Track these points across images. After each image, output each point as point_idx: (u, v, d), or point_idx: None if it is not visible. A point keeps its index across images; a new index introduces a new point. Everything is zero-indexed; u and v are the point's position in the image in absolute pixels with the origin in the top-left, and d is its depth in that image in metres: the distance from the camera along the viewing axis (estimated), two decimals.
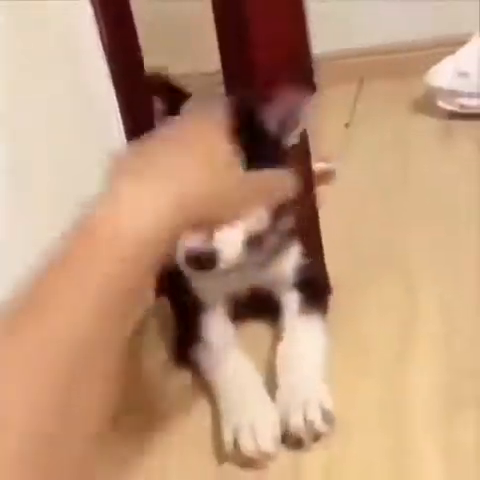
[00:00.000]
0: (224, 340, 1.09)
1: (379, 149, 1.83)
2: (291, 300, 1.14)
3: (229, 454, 0.93)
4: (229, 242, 0.96)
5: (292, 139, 1.04)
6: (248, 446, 0.91)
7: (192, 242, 0.94)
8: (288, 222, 1.10)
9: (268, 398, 0.98)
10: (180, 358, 1.12)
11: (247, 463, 0.92)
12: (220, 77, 2.25)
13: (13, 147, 0.82)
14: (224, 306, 1.14)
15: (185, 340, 1.12)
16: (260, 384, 1.01)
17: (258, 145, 0.97)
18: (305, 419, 0.93)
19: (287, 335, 1.08)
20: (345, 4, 2.25)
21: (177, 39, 2.18)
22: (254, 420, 0.93)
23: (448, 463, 0.87)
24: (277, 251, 1.13)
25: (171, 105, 1.09)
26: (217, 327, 1.12)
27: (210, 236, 0.94)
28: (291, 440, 0.94)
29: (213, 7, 1.26)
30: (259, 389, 1.00)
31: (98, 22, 1.02)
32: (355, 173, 1.69)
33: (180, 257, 0.95)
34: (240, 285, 1.13)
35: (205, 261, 0.95)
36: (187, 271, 1.00)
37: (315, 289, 1.15)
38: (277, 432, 0.93)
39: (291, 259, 1.14)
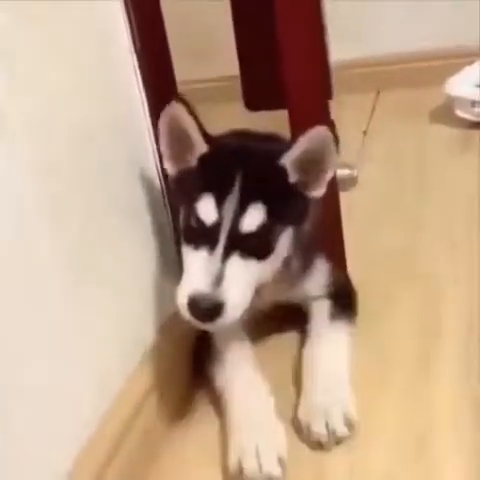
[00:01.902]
0: (239, 356, 1.07)
1: (397, 157, 1.85)
2: (320, 309, 1.14)
3: (234, 476, 0.92)
4: (237, 292, 0.93)
5: (319, 192, 1.03)
6: (252, 469, 0.90)
7: (197, 286, 0.91)
8: (312, 243, 1.10)
9: (276, 419, 0.97)
10: (197, 373, 1.10)
11: None
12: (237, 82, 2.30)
13: (41, 155, 0.83)
14: (241, 321, 1.05)
15: (201, 355, 1.10)
16: (270, 405, 0.99)
17: (287, 200, 0.99)
18: (327, 425, 0.94)
19: (314, 341, 1.09)
20: (364, 14, 2.27)
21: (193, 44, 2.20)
22: (259, 442, 0.93)
23: (471, 469, 0.88)
24: (304, 269, 1.13)
25: None
26: (232, 343, 1.09)
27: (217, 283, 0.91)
28: (313, 444, 0.95)
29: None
30: (268, 410, 0.98)
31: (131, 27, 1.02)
32: (373, 180, 1.70)
33: (181, 303, 0.92)
34: (265, 303, 1.11)
35: (208, 313, 0.91)
36: (186, 317, 0.94)
37: (344, 297, 1.16)
38: (283, 454, 0.92)
39: (320, 273, 1.14)
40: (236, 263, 0.93)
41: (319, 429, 0.94)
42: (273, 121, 1.41)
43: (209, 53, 2.28)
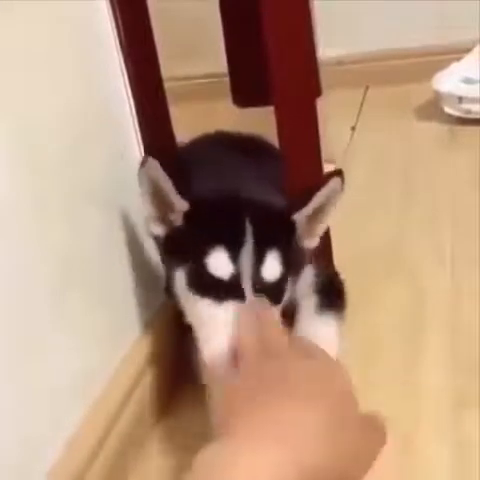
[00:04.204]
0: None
1: (385, 153, 1.86)
2: (307, 303, 1.14)
3: None
4: None
5: (314, 243, 1.04)
6: None
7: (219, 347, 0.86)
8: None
9: None
10: (183, 368, 1.09)
11: None
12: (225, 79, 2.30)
13: (24, 146, 0.83)
14: None
15: (186, 351, 1.07)
16: None
17: (292, 250, 0.98)
18: None
19: (302, 333, 1.09)
20: (352, 10, 2.28)
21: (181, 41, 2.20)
22: None
23: (455, 461, 0.89)
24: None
25: None
26: None
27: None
28: None
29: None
30: None
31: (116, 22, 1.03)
32: (361, 175, 1.71)
33: (216, 351, 0.86)
34: None
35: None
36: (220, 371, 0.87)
37: (331, 290, 1.17)
38: None
39: (308, 272, 1.14)
40: None
41: None
42: (262, 118, 1.42)
43: (197, 50, 2.29)
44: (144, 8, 1.15)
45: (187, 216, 0.97)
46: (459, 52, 2.03)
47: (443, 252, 1.35)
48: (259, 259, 0.92)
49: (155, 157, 0.95)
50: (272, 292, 0.94)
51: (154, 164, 0.94)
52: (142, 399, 1.02)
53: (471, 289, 1.21)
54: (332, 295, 1.16)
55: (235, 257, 0.91)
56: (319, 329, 1.10)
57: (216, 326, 0.89)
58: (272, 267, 0.93)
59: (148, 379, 1.04)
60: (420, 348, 1.11)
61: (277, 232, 0.97)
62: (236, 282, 0.91)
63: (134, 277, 1.07)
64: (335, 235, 1.25)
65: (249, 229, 0.93)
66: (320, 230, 1.04)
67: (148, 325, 1.09)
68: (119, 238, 1.04)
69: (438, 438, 0.93)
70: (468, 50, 2.02)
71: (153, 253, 1.11)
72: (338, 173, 0.99)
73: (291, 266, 0.97)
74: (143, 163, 0.95)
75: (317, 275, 1.15)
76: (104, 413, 0.94)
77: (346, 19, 2.29)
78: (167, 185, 0.95)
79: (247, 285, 0.91)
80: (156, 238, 1.03)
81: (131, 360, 1.03)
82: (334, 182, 0.98)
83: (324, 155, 1.20)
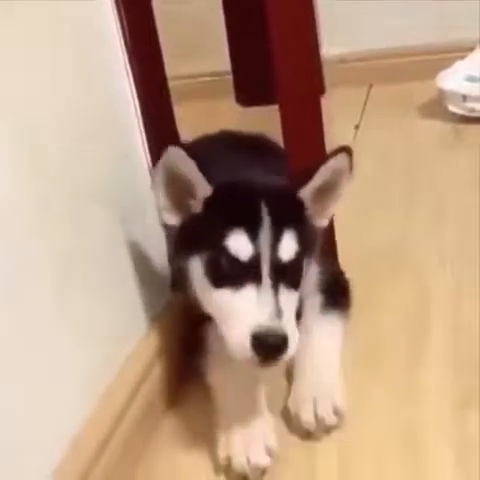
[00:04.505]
0: None
1: (389, 151, 1.85)
2: (312, 302, 1.14)
3: (223, 468, 0.93)
4: (293, 325, 0.90)
5: (325, 222, 1.05)
6: (239, 460, 0.91)
7: (261, 321, 0.86)
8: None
9: (264, 410, 0.97)
10: (188, 366, 1.09)
11: (242, 476, 0.91)
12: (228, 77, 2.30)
13: (27, 146, 0.83)
14: None
15: (192, 348, 1.08)
16: (259, 397, 0.98)
17: (306, 230, 0.98)
18: (316, 413, 0.95)
19: (306, 331, 1.08)
20: (356, 8, 2.27)
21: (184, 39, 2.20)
22: (247, 433, 0.93)
23: (458, 460, 0.89)
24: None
25: None
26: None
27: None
28: (302, 433, 0.97)
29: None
30: (257, 402, 0.97)
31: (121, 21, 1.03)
32: (364, 174, 1.70)
33: (241, 344, 0.86)
34: None
35: (276, 349, 0.86)
36: (247, 358, 0.87)
37: (336, 289, 1.17)
38: (272, 443, 0.92)
39: (313, 270, 1.13)
40: (285, 295, 0.91)
41: (307, 417, 0.96)
42: (265, 116, 1.42)
43: (201, 48, 2.29)
44: (149, 7, 1.16)
45: (207, 202, 0.97)
46: (462, 50, 2.03)
47: (447, 251, 1.34)
48: (276, 239, 0.93)
49: (159, 156, 0.95)
50: (290, 273, 0.94)
51: (177, 151, 0.94)
52: (149, 395, 1.02)
53: (474, 289, 1.20)
54: (337, 294, 1.16)
55: (254, 238, 0.92)
56: (323, 328, 1.10)
57: (236, 315, 0.90)
58: (289, 245, 0.94)
59: (154, 375, 1.04)
60: (423, 348, 1.10)
61: (290, 212, 0.97)
62: (255, 264, 0.91)
63: (138, 275, 1.07)
64: (339, 234, 1.25)
65: (265, 211, 0.94)
66: (331, 210, 1.03)
67: (153, 322, 1.09)
68: (123, 237, 1.04)
69: (441, 437, 0.93)
70: (471, 49, 2.01)
71: (157, 251, 1.11)
72: (344, 149, 0.99)
73: (306, 244, 0.97)
74: (167, 152, 0.94)
75: (322, 274, 1.15)
76: (110, 410, 0.94)
77: (349, 17, 2.29)
78: (193, 169, 0.95)
79: (265, 267, 0.91)
80: (169, 229, 1.04)
81: (137, 357, 1.03)
82: (340, 157, 0.98)
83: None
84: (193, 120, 1.59)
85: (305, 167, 1.03)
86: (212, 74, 2.36)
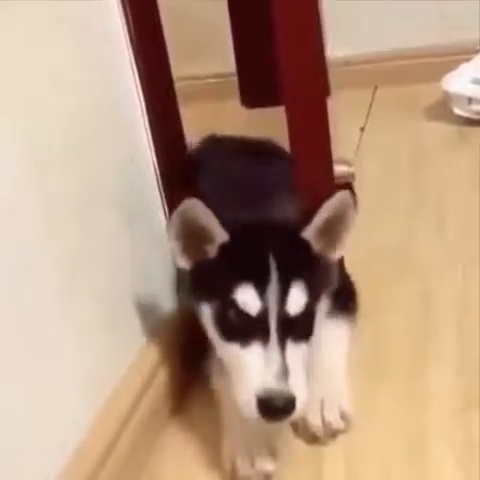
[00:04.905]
0: None
1: (394, 153, 1.85)
2: (320, 305, 1.13)
3: (228, 473, 0.92)
4: (302, 383, 0.89)
5: (338, 254, 1.04)
6: (244, 466, 0.91)
7: (267, 383, 0.86)
8: None
9: None
10: (193, 371, 1.09)
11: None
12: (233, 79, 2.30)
13: (30, 144, 0.83)
14: None
15: (199, 354, 1.08)
16: None
17: (316, 271, 0.98)
18: (323, 418, 0.95)
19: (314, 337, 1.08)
20: (362, 10, 2.27)
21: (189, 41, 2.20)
22: (252, 438, 0.93)
23: (462, 462, 0.89)
24: None
25: None
26: None
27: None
28: (309, 438, 0.96)
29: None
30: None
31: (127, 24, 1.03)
32: (370, 176, 1.70)
33: (246, 403, 0.86)
34: None
35: (282, 410, 0.86)
36: (253, 416, 0.87)
37: (342, 293, 1.14)
38: (276, 448, 0.92)
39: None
40: (292, 351, 0.90)
41: (314, 421, 0.95)
42: (270, 118, 1.42)
43: (206, 50, 2.28)
44: (154, 6, 1.15)
45: (224, 247, 0.96)
46: (468, 53, 2.02)
47: (452, 254, 1.34)
48: (284, 292, 0.92)
49: (165, 158, 0.94)
50: (299, 326, 0.93)
51: (192, 204, 0.93)
52: (153, 400, 1.02)
53: None
54: (343, 298, 1.15)
55: (262, 293, 0.91)
56: (330, 332, 1.09)
57: (244, 372, 0.89)
58: (297, 298, 0.93)
59: (159, 381, 1.04)
60: (429, 351, 1.10)
61: (298, 259, 0.96)
62: (263, 319, 0.90)
63: (142, 283, 1.07)
64: None
65: (272, 262, 0.93)
66: (342, 244, 1.02)
67: (158, 327, 1.09)
68: (128, 240, 1.04)
69: (446, 439, 0.93)
70: (477, 51, 2.01)
71: (161, 259, 1.10)
72: (347, 186, 0.99)
73: (316, 288, 0.96)
74: (183, 204, 0.93)
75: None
76: (116, 415, 0.94)
77: (354, 19, 2.28)
78: (210, 219, 0.94)
79: (272, 322, 0.90)
80: (182, 272, 1.02)
81: (141, 363, 1.03)
82: (340, 195, 0.97)
83: (335, 155, 1.20)
84: (198, 121, 1.59)
85: (309, 206, 1.02)
86: (217, 76, 2.35)
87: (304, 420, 0.96)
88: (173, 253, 1.00)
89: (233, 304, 0.92)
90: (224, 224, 0.96)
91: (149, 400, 1.00)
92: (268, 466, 0.91)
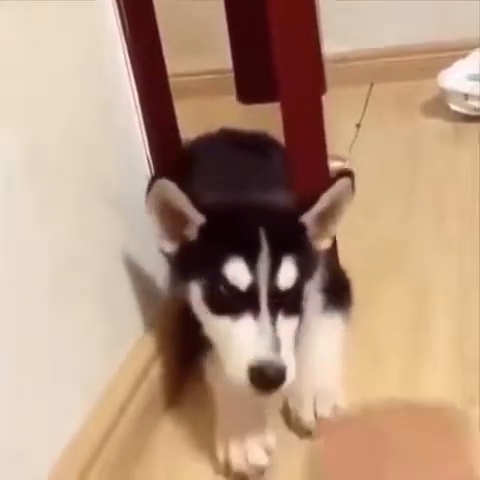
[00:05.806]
0: None
1: (390, 150, 1.85)
2: (313, 301, 1.12)
3: (222, 467, 0.93)
4: (291, 355, 0.89)
5: (326, 244, 1.04)
6: (238, 461, 0.91)
7: (259, 353, 0.86)
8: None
9: (263, 410, 0.96)
10: (188, 365, 1.09)
11: (241, 475, 0.91)
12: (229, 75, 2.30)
13: (25, 144, 0.82)
14: None
15: (193, 348, 1.07)
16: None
17: (306, 253, 0.98)
18: (316, 413, 0.95)
19: (308, 329, 1.07)
20: (357, 7, 2.27)
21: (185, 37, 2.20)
22: (245, 433, 0.93)
23: None
24: None
25: None
26: None
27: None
28: (302, 432, 0.96)
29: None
30: (255, 400, 0.95)
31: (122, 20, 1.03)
32: (366, 173, 1.70)
33: (237, 374, 0.86)
34: None
35: (274, 381, 0.86)
36: (244, 388, 0.87)
37: (337, 288, 1.16)
38: (270, 443, 0.92)
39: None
40: (283, 323, 0.90)
41: (307, 417, 0.95)
42: (266, 114, 1.42)
43: (202, 46, 2.28)
44: (150, 5, 1.16)
45: (202, 230, 0.96)
46: (464, 49, 2.02)
47: (449, 250, 1.34)
48: (275, 266, 0.92)
49: (160, 155, 0.95)
50: (289, 300, 0.93)
51: (165, 184, 0.93)
52: (147, 394, 1.02)
53: (477, 286, 1.20)
54: (338, 293, 1.15)
55: (252, 266, 0.91)
56: (324, 327, 1.10)
57: (234, 345, 0.89)
58: (288, 273, 0.93)
59: (153, 375, 1.04)
60: (425, 346, 1.10)
61: (290, 237, 0.96)
62: (254, 292, 0.90)
63: (136, 276, 1.07)
64: (340, 232, 1.24)
65: (263, 238, 0.93)
66: (332, 231, 1.03)
67: (152, 322, 1.09)
68: (122, 238, 1.04)
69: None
70: (473, 47, 2.01)
71: (154, 253, 1.10)
72: (347, 173, 0.99)
73: (306, 269, 0.97)
74: (151, 185, 0.94)
75: (323, 273, 1.14)
76: (109, 409, 0.94)
77: (350, 16, 2.28)
78: (182, 202, 0.94)
79: (263, 296, 0.90)
80: (167, 255, 1.03)
81: (135, 357, 1.03)
82: (342, 183, 0.97)
83: (330, 152, 1.20)
84: (194, 118, 1.59)
85: (309, 191, 1.03)
86: (213, 72, 2.36)
87: (297, 415, 0.96)
88: (157, 239, 1.00)
89: (223, 279, 0.91)
90: (216, 204, 0.96)
91: (143, 394, 1.01)
92: (262, 460, 0.91)
